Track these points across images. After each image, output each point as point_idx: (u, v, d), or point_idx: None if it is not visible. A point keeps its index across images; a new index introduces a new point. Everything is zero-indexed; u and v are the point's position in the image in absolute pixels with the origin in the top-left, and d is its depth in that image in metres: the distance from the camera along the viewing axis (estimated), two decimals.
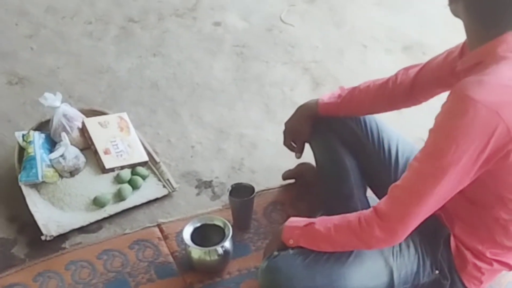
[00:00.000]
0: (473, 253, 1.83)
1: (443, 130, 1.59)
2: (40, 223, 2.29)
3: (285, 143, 2.36)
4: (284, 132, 2.34)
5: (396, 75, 2.08)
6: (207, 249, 2.09)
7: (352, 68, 3.26)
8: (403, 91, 2.05)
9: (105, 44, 3.41)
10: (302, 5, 3.78)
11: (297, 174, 2.49)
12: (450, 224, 1.85)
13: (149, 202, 2.45)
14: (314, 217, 1.94)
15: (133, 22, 3.58)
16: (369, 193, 2.22)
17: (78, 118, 2.62)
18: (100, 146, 2.55)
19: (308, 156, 2.32)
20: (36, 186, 2.44)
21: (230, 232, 2.12)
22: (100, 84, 3.11)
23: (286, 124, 2.33)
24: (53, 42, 3.41)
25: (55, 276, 2.16)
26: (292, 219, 1.89)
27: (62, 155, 2.45)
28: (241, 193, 2.27)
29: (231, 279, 2.16)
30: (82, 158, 2.51)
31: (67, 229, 2.32)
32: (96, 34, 3.48)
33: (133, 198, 2.45)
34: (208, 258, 2.10)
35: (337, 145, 2.18)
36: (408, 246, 1.87)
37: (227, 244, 2.11)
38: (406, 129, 2.34)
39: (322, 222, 1.79)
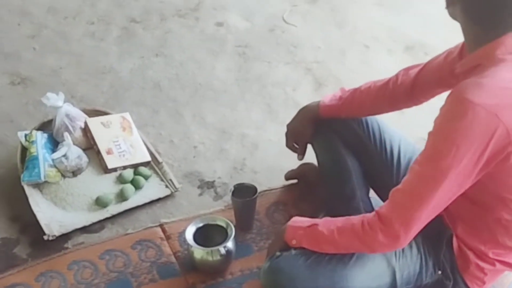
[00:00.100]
0: (475, 253, 1.83)
1: (442, 133, 1.59)
2: (42, 223, 2.29)
3: (287, 145, 2.37)
4: (286, 134, 2.35)
5: (396, 75, 2.09)
6: (209, 249, 2.09)
7: (354, 69, 3.26)
8: (403, 91, 2.05)
9: (107, 44, 3.41)
10: (304, 6, 3.78)
11: (300, 174, 2.49)
12: (452, 224, 1.86)
13: (151, 202, 2.45)
14: (317, 217, 1.94)
15: (135, 23, 3.58)
16: (372, 193, 2.22)
17: (81, 118, 2.62)
18: (102, 146, 2.55)
19: (311, 156, 2.32)
20: (39, 186, 2.44)
21: (232, 232, 2.12)
22: (103, 84, 3.11)
23: (288, 126, 2.34)
24: (55, 42, 3.41)
25: (58, 276, 2.16)
26: (295, 218, 1.90)
27: (64, 155, 2.45)
28: (244, 194, 2.27)
29: (233, 279, 2.16)
30: (84, 158, 2.52)
31: (70, 229, 2.32)
32: (98, 35, 3.48)
33: (136, 198, 2.45)
34: (210, 259, 2.10)
35: (339, 146, 2.18)
36: (411, 247, 1.87)
37: (230, 244, 2.11)
38: (408, 129, 2.34)
39: (325, 224, 1.79)
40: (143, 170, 2.54)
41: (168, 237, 2.30)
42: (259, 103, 3.01)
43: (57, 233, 2.28)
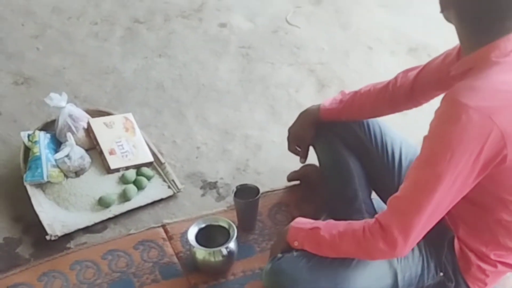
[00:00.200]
0: (477, 255, 1.83)
1: (437, 137, 1.59)
2: (45, 223, 2.30)
3: (289, 149, 2.39)
4: (288, 138, 2.36)
5: (396, 78, 2.09)
6: (211, 250, 2.09)
7: (358, 70, 3.25)
8: (403, 93, 2.06)
9: (111, 44, 3.41)
10: (308, 7, 3.77)
11: (302, 175, 2.49)
12: (454, 226, 1.85)
13: (154, 203, 2.46)
14: (319, 218, 1.94)
15: (139, 23, 3.58)
16: (374, 195, 2.22)
17: (84, 119, 2.62)
18: (105, 147, 2.56)
19: (313, 158, 2.33)
20: (41, 186, 2.45)
21: (234, 233, 2.12)
22: (106, 85, 3.12)
23: (289, 130, 2.35)
24: (59, 43, 3.42)
25: (60, 276, 2.16)
26: (298, 219, 1.89)
27: (67, 155, 2.45)
28: (246, 194, 2.27)
29: (235, 280, 2.16)
30: (87, 158, 2.52)
31: (72, 229, 2.32)
32: (102, 35, 3.48)
33: (138, 199, 2.45)
34: (212, 259, 2.10)
35: (340, 147, 2.18)
36: (413, 249, 1.86)
37: (232, 245, 2.11)
38: (410, 131, 2.33)
39: (327, 228, 1.78)
40: (146, 170, 2.55)
41: (170, 238, 2.30)
42: (262, 104, 3.01)
43: (59, 233, 2.28)
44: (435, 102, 1.98)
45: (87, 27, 3.55)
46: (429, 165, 1.58)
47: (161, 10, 3.69)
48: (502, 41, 1.58)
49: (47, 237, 2.26)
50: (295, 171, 2.50)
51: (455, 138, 1.53)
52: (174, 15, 3.65)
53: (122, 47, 3.39)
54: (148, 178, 2.53)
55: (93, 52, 3.35)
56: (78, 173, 2.48)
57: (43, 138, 2.53)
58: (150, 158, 2.59)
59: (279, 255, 1.87)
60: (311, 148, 2.33)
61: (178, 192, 2.49)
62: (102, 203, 2.40)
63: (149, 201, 2.45)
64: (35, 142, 2.50)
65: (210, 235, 2.15)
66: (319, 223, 1.83)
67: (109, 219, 2.38)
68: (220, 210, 2.41)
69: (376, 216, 1.69)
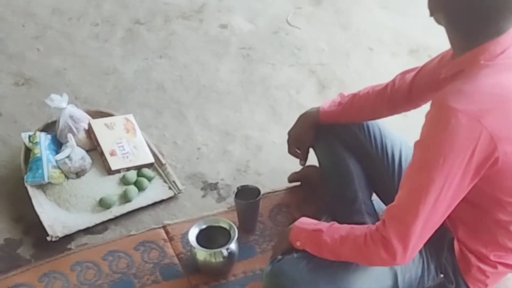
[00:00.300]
0: (476, 256, 1.83)
1: (428, 143, 1.59)
2: (46, 224, 2.30)
3: (289, 151, 2.39)
4: (288, 141, 2.37)
5: (394, 80, 2.09)
6: (212, 251, 2.09)
7: (358, 71, 3.26)
8: (401, 95, 2.06)
9: (112, 45, 3.41)
10: (308, 8, 3.77)
11: (303, 176, 2.49)
12: (453, 228, 1.85)
13: (154, 204, 2.46)
14: (320, 219, 1.94)
15: (139, 24, 3.58)
16: (374, 196, 2.22)
17: (84, 120, 2.62)
18: (106, 148, 2.56)
19: (314, 159, 2.33)
20: (42, 187, 2.45)
21: (235, 234, 2.12)
22: (106, 86, 3.12)
23: (289, 133, 2.36)
24: (59, 44, 3.41)
25: (61, 276, 2.16)
26: (302, 219, 1.89)
27: (68, 156, 2.45)
28: (247, 195, 2.27)
29: (236, 281, 2.16)
30: (88, 159, 2.52)
31: (73, 230, 2.32)
32: (102, 36, 3.48)
33: (139, 200, 2.45)
34: (213, 260, 2.10)
35: (340, 149, 2.19)
36: None
37: (233, 246, 2.11)
38: (411, 132, 2.32)
39: (329, 231, 1.78)
40: (147, 171, 2.55)
41: (171, 239, 2.30)
42: (263, 105, 3.01)
43: (60, 234, 2.28)
44: None
45: (87, 28, 3.54)
46: (423, 171, 1.58)
47: (161, 11, 3.69)
48: (491, 44, 1.58)
49: (48, 238, 2.26)
50: (295, 172, 2.50)
51: (446, 142, 1.53)
52: (174, 16, 3.65)
53: (123, 48, 3.39)
54: (149, 179, 2.53)
55: (94, 53, 3.35)
56: (79, 174, 2.48)
57: (44, 139, 2.53)
58: (151, 159, 2.59)
59: (279, 256, 1.87)
60: (311, 150, 2.33)
61: (178, 193, 2.49)
62: (103, 204, 2.40)
63: (150, 202, 2.45)
64: (36, 143, 2.50)
65: (211, 236, 2.16)
66: (323, 225, 1.82)
67: (110, 220, 2.39)
68: (221, 211, 2.41)
69: (376, 224, 1.69)
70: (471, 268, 1.84)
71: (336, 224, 1.81)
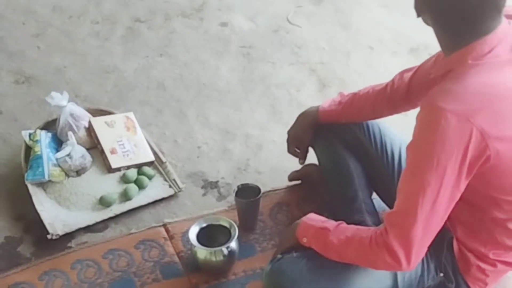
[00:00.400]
0: (475, 255, 1.83)
1: (421, 145, 1.59)
2: (46, 222, 2.30)
3: (289, 151, 2.39)
4: (288, 140, 2.37)
5: (393, 80, 2.10)
6: (212, 249, 2.09)
7: (358, 70, 3.26)
8: (400, 95, 2.06)
9: (112, 44, 3.41)
10: (309, 7, 3.77)
11: (303, 175, 2.49)
12: (452, 227, 1.85)
13: (155, 202, 2.46)
14: None
15: (140, 22, 3.58)
16: (374, 195, 2.22)
17: (85, 118, 2.62)
18: (106, 146, 2.56)
19: (314, 159, 2.33)
20: (43, 185, 2.45)
21: (236, 232, 2.12)
22: (107, 84, 3.12)
23: (288, 132, 2.36)
24: (60, 42, 3.41)
25: (61, 275, 2.17)
26: (310, 215, 1.89)
27: (68, 154, 2.45)
28: (247, 194, 2.27)
29: (236, 280, 2.16)
30: (88, 158, 2.52)
31: (73, 228, 2.32)
32: (102, 34, 3.48)
33: (139, 198, 2.45)
34: (213, 259, 2.10)
35: (340, 148, 2.19)
36: None
37: (233, 244, 2.11)
38: (411, 131, 2.33)
39: (336, 232, 1.77)
40: (147, 170, 2.55)
41: (171, 237, 2.30)
42: (263, 104, 3.01)
43: (60, 232, 2.28)
44: None
45: (88, 26, 3.54)
46: (418, 174, 1.58)
47: (162, 9, 3.69)
48: (478, 44, 1.58)
49: (48, 236, 2.26)
50: (296, 171, 2.50)
51: (438, 143, 1.53)
52: (175, 15, 3.65)
53: (123, 46, 3.39)
54: (149, 177, 2.53)
55: (94, 51, 3.35)
56: (79, 172, 2.48)
57: (44, 137, 2.53)
58: (151, 157, 2.59)
59: (279, 255, 1.87)
60: (310, 149, 2.33)
61: (179, 191, 2.49)
62: (103, 202, 2.40)
63: (150, 200, 2.45)
64: (36, 141, 2.50)
65: (211, 235, 2.16)
66: (330, 223, 1.82)
67: (110, 218, 2.38)
68: (221, 210, 2.41)
69: (379, 228, 1.68)
70: (470, 267, 1.84)
71: (343, 224, 1.81)
